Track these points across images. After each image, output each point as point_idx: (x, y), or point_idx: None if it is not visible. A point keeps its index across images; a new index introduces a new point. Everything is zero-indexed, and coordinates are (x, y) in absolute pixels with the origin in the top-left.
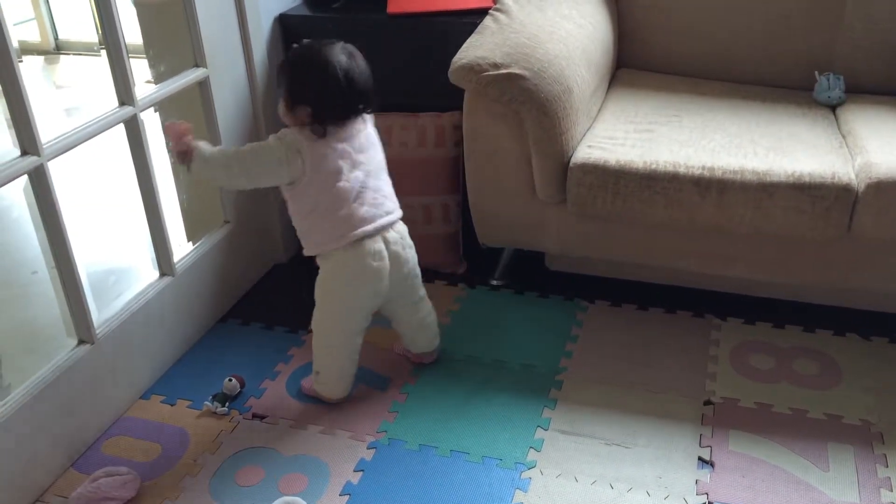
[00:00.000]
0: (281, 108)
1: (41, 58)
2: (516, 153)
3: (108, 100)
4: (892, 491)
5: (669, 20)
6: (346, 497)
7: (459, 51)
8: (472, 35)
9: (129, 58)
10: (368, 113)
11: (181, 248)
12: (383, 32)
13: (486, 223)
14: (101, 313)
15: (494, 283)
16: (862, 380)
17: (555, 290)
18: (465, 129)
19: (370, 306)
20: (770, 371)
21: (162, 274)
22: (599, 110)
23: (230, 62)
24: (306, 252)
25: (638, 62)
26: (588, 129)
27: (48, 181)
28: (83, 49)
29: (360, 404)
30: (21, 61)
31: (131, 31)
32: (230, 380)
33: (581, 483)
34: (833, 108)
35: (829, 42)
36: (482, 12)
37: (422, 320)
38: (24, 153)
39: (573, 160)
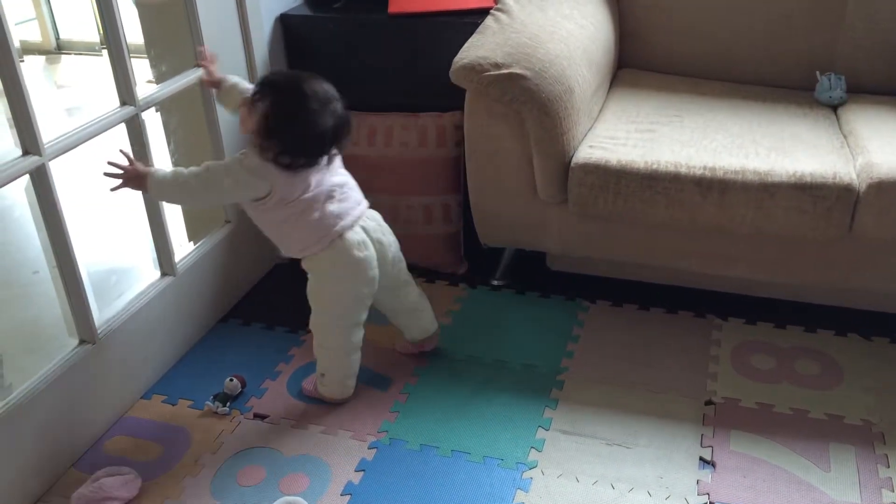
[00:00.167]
0: (248, 119)
1: (42, 57)
2: (517, 153)
3: (109, 100)
4: (893, 491)
5: (671, 20)
6: (348, 497)
7: (460, 51)
8: (474, 35)
9: (130, 57)
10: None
11: (182, 247)
12: (384, 32)
13: (488, 223)
14: (102, 313)
15: (495, 283)
16: (863, 380)
17: (556, 290)
18: (466, 129)
19: (365, 297)
20: (771, 371)
21: (163, 274)
22: (601, 110)
23: (231, 62)
24: (286, 254)
25: (639, 62)
26: (589, 129)
27: (49, 181)
28: (84, 49)
29: (362, 404)
30: (22, 61)
31: (132, 30)
32: (231, 380)
33: (582, 483)
34: (834, 108)
35: (830, 42)
36: (483, 12)
37: (413, 304)
38: (25, 153)
39: (574, 160)
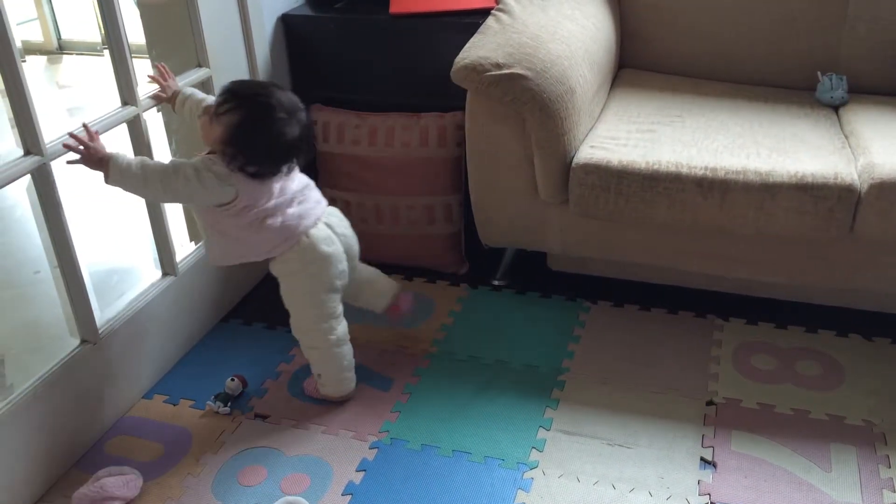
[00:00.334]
0: (210, 130)
1: (44, 58)
2: (518, 153)
3: (110, 100)
4: (894, 492)
5: (672, 20)
6: (349, 497)
7: (462, 51)
8: (475, 35)
9: (131, 58)
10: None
11: (183, 247)
12: (386, 32)
13: (489, 223)
14: (103, 313)
15: (496, 283)
16: (864, 380)
17: (557, 290)
18: (467, 130)
19: (338, 290)
20: (772, 371)
21: (164, 274)
22: (602, 110)
23: (233, 62)
24: (239, 260)
25: (640, 62)
26: (590, 130)
27: (51, 181)
28: (86, 49)
29: (363, 404)
30: (24, 61)
31: (134, 31)
32: (232, 380)
33: (583, 483)
34: (836, 108)
35: (831, 42)
36: (484, 12)
37: (367, 276)
38: (27, 153)
39: (575, 160)
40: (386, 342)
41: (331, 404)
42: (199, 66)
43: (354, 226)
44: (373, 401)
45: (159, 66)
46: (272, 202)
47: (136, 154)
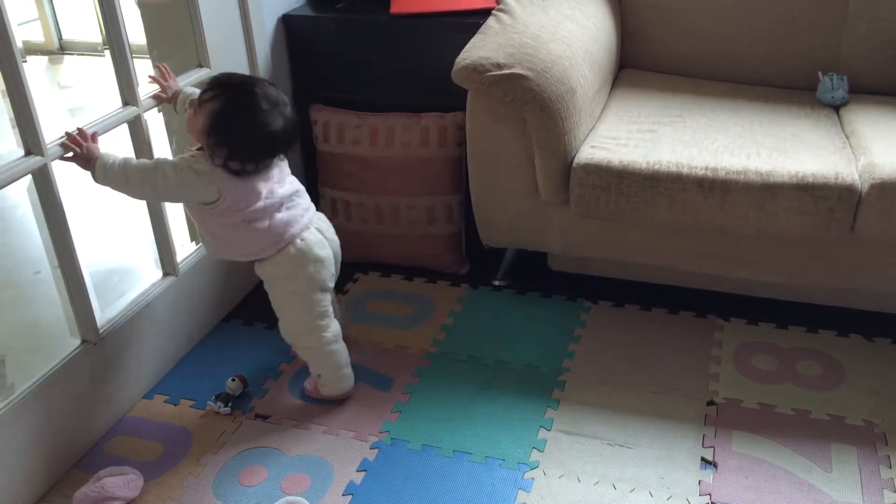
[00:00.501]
0: (195, 121)
1: (45, 58)
2: (519, 153)
3: (111, 100)
4: (894, 492)
5: (672, 20)
6: (349, 497)
7: (462, 51)
8: (475, 35)
9: (132, 58)
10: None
11: (184, 247)
12: (386, 33)
13: (489, 223)
14: (104, 313)
15: (497, 283)
16: (865, 381)
17: (557, 290)
18: (467, 130)
19: (328, 289)
20: (773, 372)
21: (165, 274)
22: (602, 111)
23: (234, 62)
24: (228, 258)
25: (641, 62)
26: (591, 130)
27: (52, 181)
28: (87, 49)
29: (363, 404)
30: (25, 61)
31: (135, 31)
32: (233, 380)
33: (584, 483)
34: (836, 108)
35: (832, 42)
36: (485, 13)
37: (333, 299)
38: (27, 153)
39: (576, 160)
40: (386, 342)
41: (331, 404)
42: (200, 66)
43: (355, 226)
44: (373, 401)
45: (160, 66)
46: (260, 204)
47: (136, 154)
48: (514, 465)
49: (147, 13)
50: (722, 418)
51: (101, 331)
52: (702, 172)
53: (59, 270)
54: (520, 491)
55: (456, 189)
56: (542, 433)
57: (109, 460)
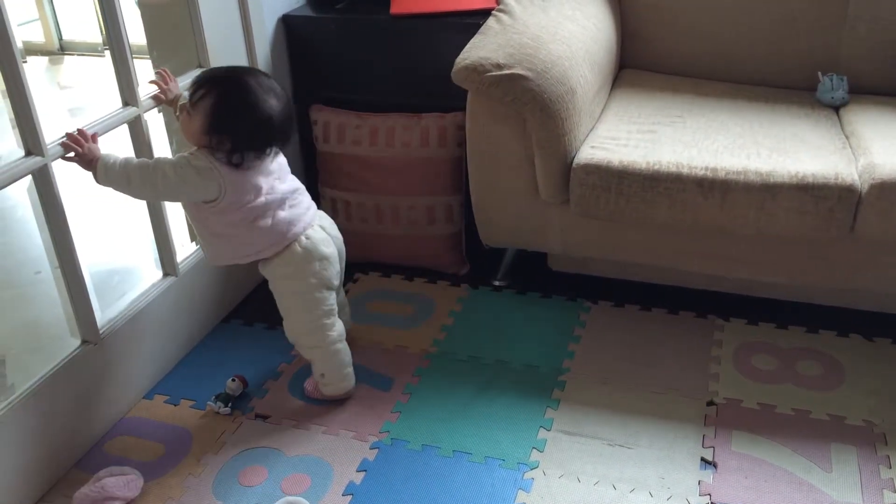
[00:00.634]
0: (189, 124)
1: (45, 58)
2: (519, 154)
3: (111, 100)
4: (894, 492)
5: (672, 21)
6: (349, 497)
7: (462, 51)
8: (475, 36)
9: (132, 58)
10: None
11: (184, 248)
12: (386, 33)
13: (489, 224)
14: (104, 313)
15: (497, 283)
16: (865, 381)
17: (557, 290)
18: (467, 130)
19: (334, 287)
20: (773, 372)
21: (165, 274)
22: (602, 111)
23: (234, 62)
24: (228, 262)
25: (641, 63)
26: (591, 130)
27: (52, 181)
28: (87, 49)
29: (363, 404)
30: (25, 62)
31: (135, 31)
32: (233, 380)
33: (584, 483)
34: (836, 108)
35: (832, 42)
36: (485, 13)
37: (342, 301)
38: (28, 153)
39: (576, 161)
40: (386, 342)
41: (331, 404)
42: (200, 66)
43: (355, 226)
44: (373, 401)
45: (161, 70)
46: (261, 199)
47: (136, 155)
48: (514, 466)
49: (147, 13)
50: (722, 418)
51: (101, 331)
52: (702, 172)
53: (59, 271)
54: (520, 491)
55: (456, 189)
56: (542, 433)
57: (109, 460)
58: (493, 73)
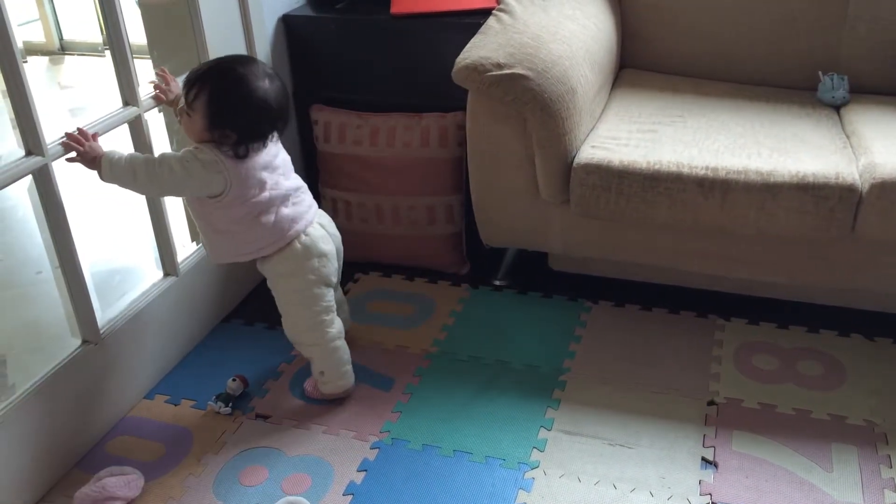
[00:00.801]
0: (191, 124)
1: (46, 58)
2: (520, 153)
3: (112, 100)
4: (895, 492)
5: (673, 20)
6: (350, 497)
7: (463, 51)
8: (476, 35)
9: (133, 58)
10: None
11: (185, 248)
12: (386, 33)
13: (490, 223)
14: (104, 313)
15: (498, 283)
16: (866, 380)
17: (558, 290)
18: (468, 130)
19: (332, 284)
20: (774, 371)
21: (166, 274)
22: (603, 111)
23: None
24: (229, 259)
25: (642, 62)
26: (591, 130)
27: (53, 181)
28: (88, 49)
29: (364, 404)
30: (26, 62)
31: (135, 31)
32: (234, 380)
33: (584, 483)
34: (837, 108)
35: (832, 42)
36: (485, 13)
37: (340, 299)
38: (28, 153)
39: (577, 160)
40: (387, 342)
41: (332, 404)
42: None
43: (355, 226)
44: (374, 401)
45: (161, 72)
46: (265, 194)
47: None
48: (515, 465)
49: (147, 13)
50: (723, 418)
51: (101, 331)
52: (702, 172)
53: (59, 270)
54: (520, 491)
55: (456, 189)
56: (543, 433)
57: (110, 460)
58: (494, 73)
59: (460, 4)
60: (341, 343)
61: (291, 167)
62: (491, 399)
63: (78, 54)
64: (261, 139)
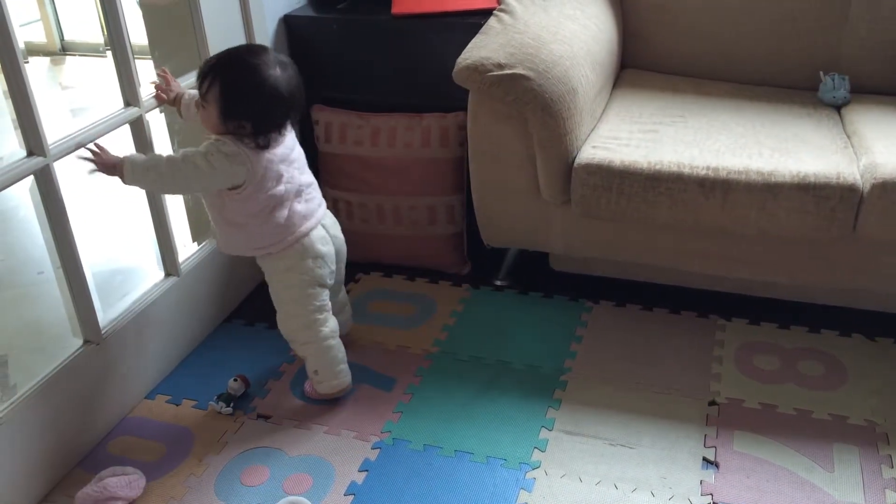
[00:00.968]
0: (207, 116)
1: (47, 59)
2: (521, 154)
3: (113, 101)
4: None
5: (674, 20)
6: (351, 497)
7: (464, 51)
8: (477, 35)
9: (134, 59)
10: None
11: (186, 248)
12: (387, 33)
13: (491, 224)
14: (106, 313)
15: (499, 283)
16: (867, 380)
17: (559, 290)
18: (469, 130)
19: (327, 285)
20: (775, 371)
21: (167, 274)
22: (604, 111)
23: None
24: (235, 252)
25: (642, 62)
26: (592, 130)
27: (54, 182)
28: (89, 50)
29: (365, 405)
30: (27, 62)
31: (137, 32)
32: (235, 380)
33: (585, 483)
34: (838, 108)
35: (834, 42)
36: (486, 13)
37: (342, 300)
38: (30, 154)
39: (577, 161)
40: (388, 342)
41: (332, 404)
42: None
43: (356, 226)
44: (375, 401)
45: (162, 72)
46: (281, 187)
47: None
48: (516, 465)
49: (149, 14)
50: (724, 418)
51: (103, 331)
52: (703, 172)
53: (61, 271)
54: (521, 491)
55: (457, 189)
56: (544, 433)
57: (112, 460)
58: (495, 73)
59: (461, 5)
60: (335, 342)
61: (305, 162)
62: (492, 399)
63: (79, 55)
64: (276, 128)
